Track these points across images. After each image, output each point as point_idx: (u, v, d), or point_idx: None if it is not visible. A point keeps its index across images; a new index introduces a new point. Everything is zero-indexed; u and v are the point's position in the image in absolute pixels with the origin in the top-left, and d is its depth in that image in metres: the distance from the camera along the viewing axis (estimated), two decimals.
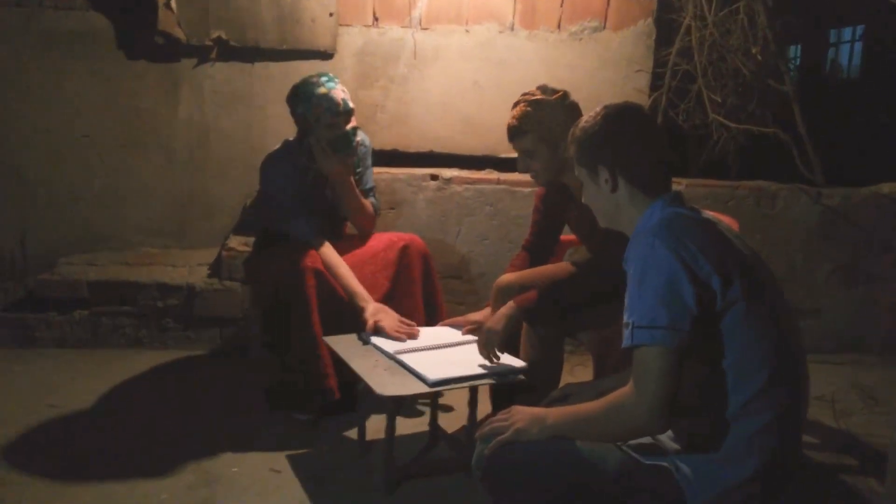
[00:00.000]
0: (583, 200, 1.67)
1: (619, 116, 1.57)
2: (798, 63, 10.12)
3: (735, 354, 1.38)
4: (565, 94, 2.28)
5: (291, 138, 2.74)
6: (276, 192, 2.64)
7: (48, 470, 2.27)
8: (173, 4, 3.41)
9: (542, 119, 2.23)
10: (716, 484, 1.39)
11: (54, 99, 3.55)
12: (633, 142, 1.55)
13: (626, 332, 1.38)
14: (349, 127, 2.62)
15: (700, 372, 1.40)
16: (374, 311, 2.46)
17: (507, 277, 2.49)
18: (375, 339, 2.30)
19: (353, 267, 2.62)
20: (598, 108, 1.60)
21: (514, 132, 2.26)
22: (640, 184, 1.54)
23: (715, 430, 1.40)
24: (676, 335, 1.34)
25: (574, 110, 2.24)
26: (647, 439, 1.49)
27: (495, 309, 2.40)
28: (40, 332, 3.30)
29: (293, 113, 2.63)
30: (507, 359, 2.16)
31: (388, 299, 2.66)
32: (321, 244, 2.61)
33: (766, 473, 1.39)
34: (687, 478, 1.40)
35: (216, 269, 3.35)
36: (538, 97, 2.25)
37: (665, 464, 1.43)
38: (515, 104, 2.28)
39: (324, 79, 2.58)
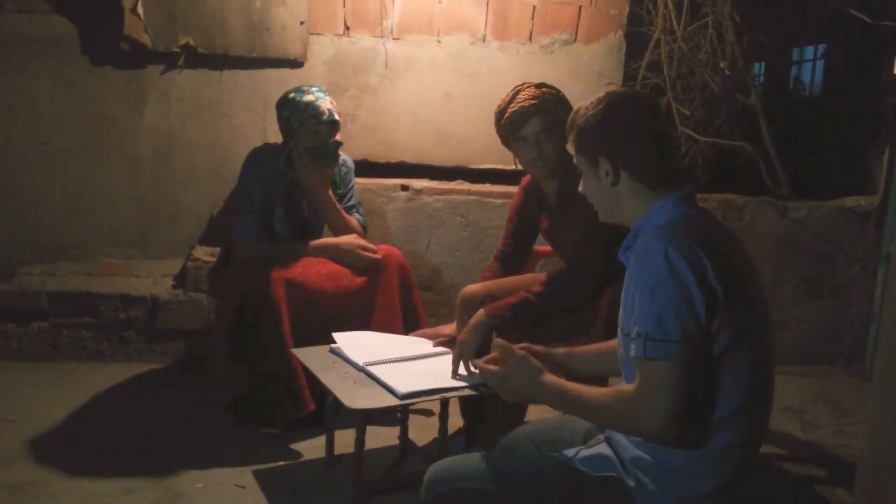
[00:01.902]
0: (580, 190, 1.60)
1: (622, 105, 1.49)
2: (762, 80, 10.32)
3: (718, 373, 1.35)
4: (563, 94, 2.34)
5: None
6: (243, 186, 2.67)
7: (5, 487, 2.19)
8: (140, 10, 3.35)
9: (557, 104, 2.26)
10: (672, 494, 1.37)
11: (15, 105, 3.46)
12: (637, 133, 1.47)
13: (638, 343, 1.32)
14: (332, 140, 2.63)
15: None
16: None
17: (471, 287, 2.48)
18: (345, 352, 2.26)
19: (329, 277, 2.61)
20: (600, 95, 1.52)
21: (533, 110, 2.24)
22: (643, 178, 1.47)
23: (681, 443, 1.38)
24: (689, 348, 1.30)
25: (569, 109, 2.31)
26: (595, 450, 1.47)
27: (460, 319, 2.40)
28: None
29: (279, 117, 2.66)
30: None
31: (365, 309, 2.66)
32: (249, 247, 2.61)
33: (724, 490, 1.37)
34: (642, 487, 1.39)
35: (181, 279, 3.28)
36: (546, 87, 2.29)
37: (615, 474, 1.41)
38: (518, 91, 2.29)
39: (314, 88, 2.64)
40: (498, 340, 1.60)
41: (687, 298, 1.30)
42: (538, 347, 1.73)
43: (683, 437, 1.34)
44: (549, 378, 1.48)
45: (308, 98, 2.59)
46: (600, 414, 1.41)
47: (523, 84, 2.32)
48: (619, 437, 1.46)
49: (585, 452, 1.47)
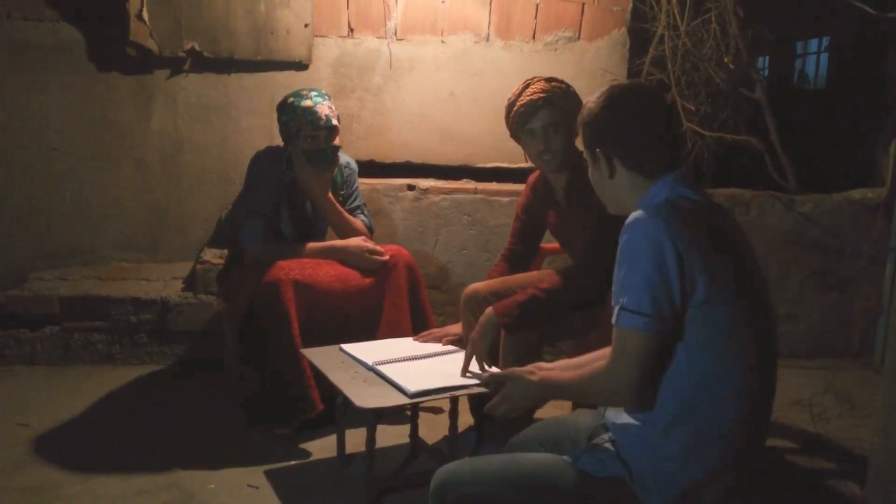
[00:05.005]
0: (591, 181, 1.62)
1: (620, 98, 1.51)
2: (767, 74, 10.28)
3: (709, 356, 1.36)
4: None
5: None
6: (249, 190, 2.70)
7: (19, 490, 2.21)
8: (145, 16, 3.37)
9: (566, 98, 2.27)
10: (673, 487, 1.38)
11: (25, 112, 3.48)
12: (633, 125, 1.48)
13: (615, 312, 1.38)
14: (331, 144, 2.65)
15: (672, 370, 1.39)
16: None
17: (475, 286, 2.49)
18: (353, 351, 2.27)
19: (338, 277, 2.63)
20: (604, 88, 1.54)
21: (543, 102, 2.25)
22: (638, 168, 1.49)
23: (675, 430, 1.38)
24: (659, 323, 1.33)
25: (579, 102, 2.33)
26: (600, 451, 1.47)
27: (464, 318, 2.40)
28: (10, 350, 3.22)
29: (279, 121, 2.68)
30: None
31: (374, 309, 2.67)
32: (258, 249, 2.63)
33: (725, 475, 1.38)
34: (644, 483, 1.39)
35: (191, 282, 3.30)
36: (556, 81, 2.30)
37: (620, 475, 1.42)
38: (528, 84, 2.30)
39: (313, 93, 2.65)
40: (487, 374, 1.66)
41: (664, 274, 1.33)
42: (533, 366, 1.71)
43: (642, 405, 1.40)
44: (538, 375, 1.58)
45: (306, 103, 2.60)
46: (580, 389, 1.50)
47: (533, 77, 2.33)
48: (623, 437, 1.46)
49: (590, 454, 1.48)
